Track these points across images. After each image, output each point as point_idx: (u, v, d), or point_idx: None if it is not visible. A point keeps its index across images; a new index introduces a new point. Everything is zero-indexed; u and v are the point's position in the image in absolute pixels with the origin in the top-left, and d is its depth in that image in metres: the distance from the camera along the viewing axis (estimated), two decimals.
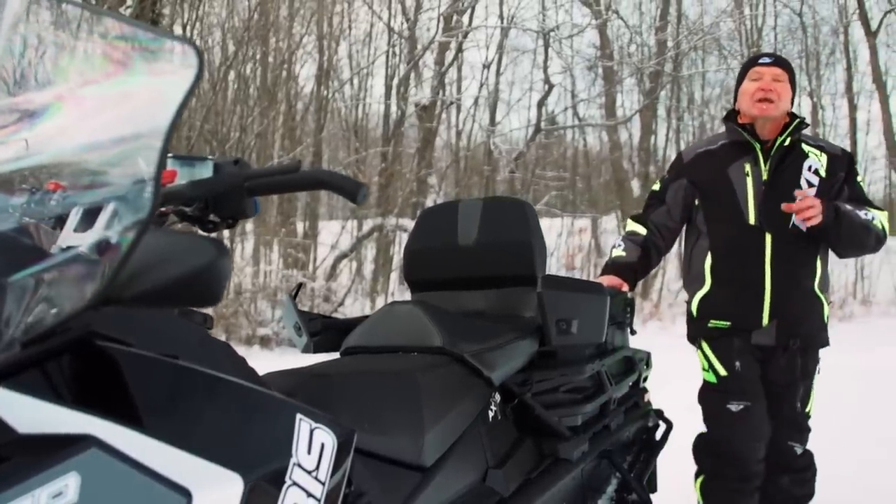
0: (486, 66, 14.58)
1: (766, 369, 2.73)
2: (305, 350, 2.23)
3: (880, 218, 2.73)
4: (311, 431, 1.05)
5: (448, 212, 2.45)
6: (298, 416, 1.05)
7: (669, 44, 15.29)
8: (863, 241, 2.71)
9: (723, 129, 2.95)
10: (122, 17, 0.89)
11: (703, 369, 2.81)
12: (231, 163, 1.27)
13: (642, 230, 2.91)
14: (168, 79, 0.87)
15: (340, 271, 11.86)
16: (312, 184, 1.29)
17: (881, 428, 4.81)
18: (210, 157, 1.31)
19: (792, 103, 2.83)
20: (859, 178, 2.85)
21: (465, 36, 13.97)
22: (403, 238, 12.33)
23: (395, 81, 13.50)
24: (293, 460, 1.01)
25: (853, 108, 17.09)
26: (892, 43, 17.00)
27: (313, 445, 1.04)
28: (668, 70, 14.92)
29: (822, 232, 2.62)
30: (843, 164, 2.81)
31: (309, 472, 1.02)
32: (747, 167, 2.75)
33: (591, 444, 2.24)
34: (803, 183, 2.71)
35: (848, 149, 3.03)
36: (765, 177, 2.73)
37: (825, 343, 2.80)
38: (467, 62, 18.05)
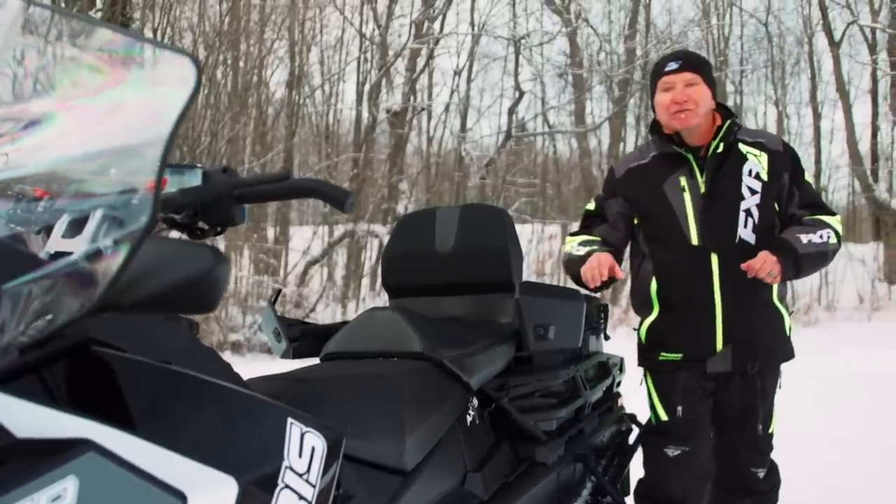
0: (458, 73, 14.67)
1: (721, 398, 2.54)
2: (284, 355, 2.25)
3: (834, 228, 2.53)
4: (302, 435, 1.07)
5: (426, 219, 2.48)
6: (289, 419, 1.08)
7: (638, 52, 15.48)
8: (819, 267, 2.55)
9: None
10: (121, 29, 0.91)
11: (649, 405, 2.62)
12: (220, 171, 1.29)
13: (593, 237, 2.62)
14: (166, 90, 0.88)
15: (311, 277, 11.83)
16: (301, 192, 1.31)
17: (840, 429, 4.92)
18: (199, 165, 1.33)
19: (715, 97, 2.59)
20: (806, 177, 2.62)
21: (437, 43, 14.05)
22: (375, 244, 12.34)
23: (367, 87, 13.52)
24: (285, 463, 1.03)
25: (817, 116, 17.41)
26: (854, 54, 17.34)
27: (304, 449, 1.06)
28: (637, 78, 15.08)
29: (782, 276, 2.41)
30: (786, 161, 2.56)
31: (300, 475, 1.04)
32: (683, 181, 2.52)
33: (567, 448, 2.27)
34: (745, 191, 2.49)
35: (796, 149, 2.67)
36: (703, 189, 2.50)
37: (789, 356, 2.60)
38: (438, 69, 18.09)
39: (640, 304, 2.62)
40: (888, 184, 16.11)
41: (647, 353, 2.59)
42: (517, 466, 2.11)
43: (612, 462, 2.65)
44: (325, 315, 10.66)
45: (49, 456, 0.86)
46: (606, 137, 16.10)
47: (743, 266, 2.35)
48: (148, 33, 9.84)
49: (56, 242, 1.19)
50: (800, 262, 2.41)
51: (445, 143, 15.16)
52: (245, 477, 0.97)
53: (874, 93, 17.04)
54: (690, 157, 2.53)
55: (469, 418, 2.00)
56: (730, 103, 16.32)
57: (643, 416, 2.80)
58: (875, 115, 16.91)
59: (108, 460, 0.89)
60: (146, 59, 0.90)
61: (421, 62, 14.09)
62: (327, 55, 14.40)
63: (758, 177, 2.51)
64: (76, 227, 1.19)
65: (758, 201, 2.49)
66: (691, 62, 2.55)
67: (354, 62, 14.11)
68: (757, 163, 2.52)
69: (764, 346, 2.51)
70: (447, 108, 14.80)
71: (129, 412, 0.96)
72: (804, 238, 2.44)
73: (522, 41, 14.79)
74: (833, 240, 2.50)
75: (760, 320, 2.50)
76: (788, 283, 2.61)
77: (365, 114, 13.30)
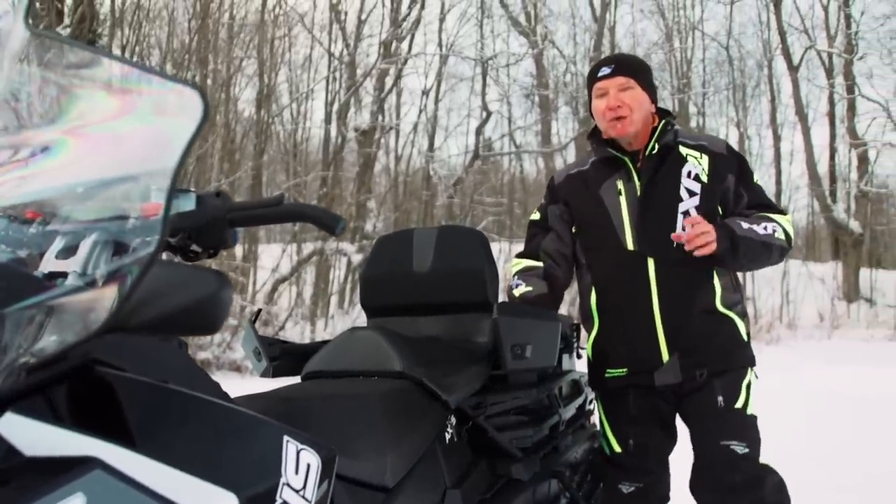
0: (425, 93, 14.79)
1: (680, 405, 2.41)
2: (264, 374, 2.27)
3: (783, 226, 2.41)
4: (298, 452, 1.11)
5: (404, 240, 2.52)
6: (285, 437, 1.11)
7: None
8: (762, 259, 2.40)
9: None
10: (130, 61, 0.95)
11: (601, 434, 2.53)
12: (213, 195, 1.32)
13: (536, 263, 2.58)
14: (173, 121, 0.92)
15: (280, 295, 11.79)
16: (293, 216, 1.35)
17: (805, 445, 5.02)
18: (192, 189, 1.36)
19: (654, 101, 2.49)
20: (755, 179, 2.50)
21: (405, 63, 14.14)
22: (343, 262, 12.33)
23: (336, 107, 13.56)
24: (282, 480, 1.06)
25: (777, 138, 17.80)
26: (812, 77, 17.78)
27: (300, 466, 1.09)
28: None
29: (716, 259, 2.30)
30: (730, 163, 2.44)
31: (297, 492, 1.08)
32: (619, 185, 2.42)
33: (542, 465, 2.31)
34: (683, 193, 2.38)
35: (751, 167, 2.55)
36: (639, 193, 2.40)
37: (747, 363, 2.41)
38: (406, 88, 18.23)
39: (584, 318, 2.53)
40: (846, 204, 16.49)
41: (594, 372, 2.50)
42: (494, 483, 2.15)
43: (586, 478, 2.69)
44: (294, 333, 10.63)
45: (57, 474, 0.88)
46: (572, 157, 16.30)
47: (673, 237, 2.27)
48: (116, 50, 9.80)
49: (50, 263, 1.21)
50: (736, 243, 2.29)
51: (413, 162, 15.26)
52: (245, 493, 1.00)
53: (832, 115, 17.49)
54: (627, 160, 2.44)
55: (448, 436, 2.03)
56: (693, 125, 16.63)
57: None
58: (833, 137, 17.35)
59: (113, 478, 0.92)
60: (154, 90, 0.94)
61: (389, 81, 14.18)
62: (295, 74, 14.43)
63: (697, 178, 2.40)
64: (70, 248, 1.22)
65: (696, 203, 2.37)
66: (624, 66, 2.44)
67: (323, 81, 14.16)
68: (697, 164, 2.42)
69: (714, 351, 2.34)
70: (415, 128, 14.93)
71: (131, 430, 0.98)
72: (745, 224, 2.34)
73: (489, 62, 14.98)
74: (779, 235, 2.38)
75: (705, 326, 2.35)
76: (740, 293, 2.48)
77: (333, 132, 13.34)
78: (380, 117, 13.90)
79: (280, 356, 2.27)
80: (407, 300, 2.44)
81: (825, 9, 16.90)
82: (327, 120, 13.55)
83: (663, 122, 2.44)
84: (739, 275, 2.65)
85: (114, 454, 0.93)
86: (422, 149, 15.06)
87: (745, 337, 2.43)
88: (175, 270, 0.98)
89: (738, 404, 2.34)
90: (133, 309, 0.91)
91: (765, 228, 2.35)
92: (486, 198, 15.79)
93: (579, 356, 2.79)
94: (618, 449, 2.45)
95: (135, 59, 10.00)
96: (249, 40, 13.07)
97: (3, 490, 0.86)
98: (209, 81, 11.64)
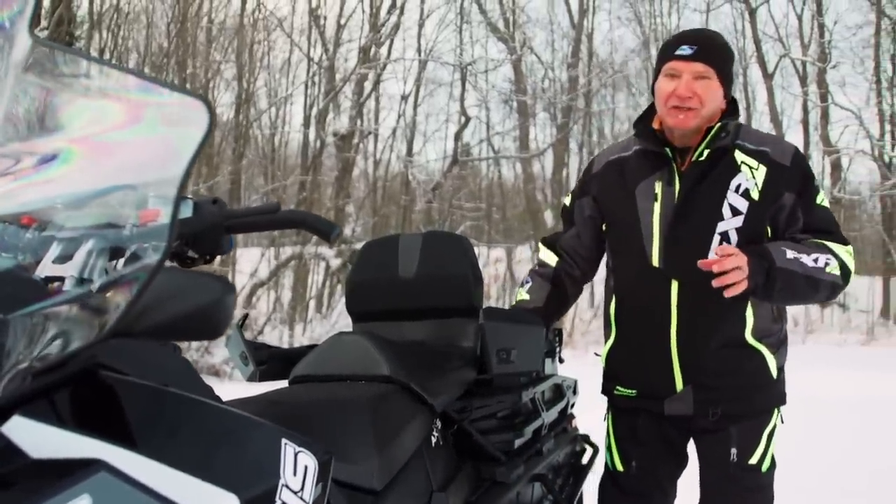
0: (404, 98, 14.84)
1: (696, 440, 2.24)
2: (251, 378, 2.28)
3: (841, 257, 2.08)
4: (296, 454, 1.13)
5: (389, 245, 2.55)
6: (283, 440, 1.13)
7: (581, 80, 15.84)
8: (804, 296, 2.10)
9: None
10: (136, 71, 0.97)
11: (605, 445, 2.43)
12: (210, 202, 1.34)
13: (552, 259, 2.45)
14: (179, 131, 0.95)
15: (258, 299, 11.75)
16: (289, 223, 1.38)
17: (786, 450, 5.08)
18: (189, 196, 1.38)
19: (729, 96, 2.17)
20: (819, 199, 2.15)
21: (384, 68, 14.17)
22: (322, 266, 12.33)
23: (315, 111, 13.57)
24: (281, 481, 1.08)
25: None
26: (786, 85, 18.02)
27: (298, 467, 1.12)
28: (579, 105, 15.43)
29: (749, 294, 2.00)
30: (791, 179, 2.11)
31: (295, 493, 1.10)
32: (658, 187, 2.15)
33: (526, 468, 2.34)
34: (726, 210, 2.09)
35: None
36: (676, 202, 2.13)
37: (774, 403, 2.20)
38: (385, 93, 18.25)
39: (605, 323, 2.38)
40: None
41: (607, 383, 2.38)
42: (479, 486, 2.18)
43: (568, 481, 2.73)
44: (273, 337, 10.61)
45: (63, 476, 0.90)
46: (550, 163, 16.42)
47: (699, 264, 1.95)
48: (94, 52, 9.74)
49: (47, 268, 1.23)
50: (773, 276, 1.97)
51: (392, 167, 15.30)
52: (246, 494, 1.02)
53: (805, 123, 17.73)
54: (673, 159, 2.16)
55: (433, 439, 2.06)
56: None
57: (595, 436, 2.89)
58: (807, 144, 17.57)
59: (118, 479, 0.94)
60: (160, 101, 0.96)
61: (368, 86, 14.20)
62: (274, 78, 14.43)
63: (746, 195, 2.09)
64: (68, 254, 1.24)
65: (739, 224, 2.08)
66: (707, 50, 2.10)
67: (302, 86, 14.17)
68: (750, 177, 2.10)
69: (733, 389, 2.13)
70: (394, 133, 14.97)
71: (133, 433, 1.01)
72: (790, 253, 2.01)
73: (468, 67, 15.03)
74: (833, 269, 2.05)
75: (728, 361, 2.12)
76: (781, 322, 2.22)
77: (312, 137, 13.34)
78: (359, 122, 13.92)
79: (267, 360, 2.29)
80: (392, 305, 2.46)
81: (799, 18, 17.18)
82: (306, 124, 13.55)
83: (719, 125, 2.12)
84: None
85: (118, 456, 0.95)
86: (400, 154, 15.11)
87: (774, 373, 2.17)
88: (180, 277, 1.00)
89: (754, 459, 2.16)
90: (139, 314, 0.93)
91: (815, 260, 2.03)
92: (465, 203, 15.86)
93: (562, 360, 2.83)
94: (620, 467, 2.35)
95: (112, 61, 9.95)
96: (228, 44, 13.04)
97: (11, 492, 0.88)
98: (187, 85, 11.60)
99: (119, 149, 0.99)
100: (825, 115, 16.85)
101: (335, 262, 11.86)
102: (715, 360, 2.13)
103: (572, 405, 2.88)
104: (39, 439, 0.93)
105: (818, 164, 17.41)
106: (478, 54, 16.11)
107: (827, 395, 7.12)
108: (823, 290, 2.07)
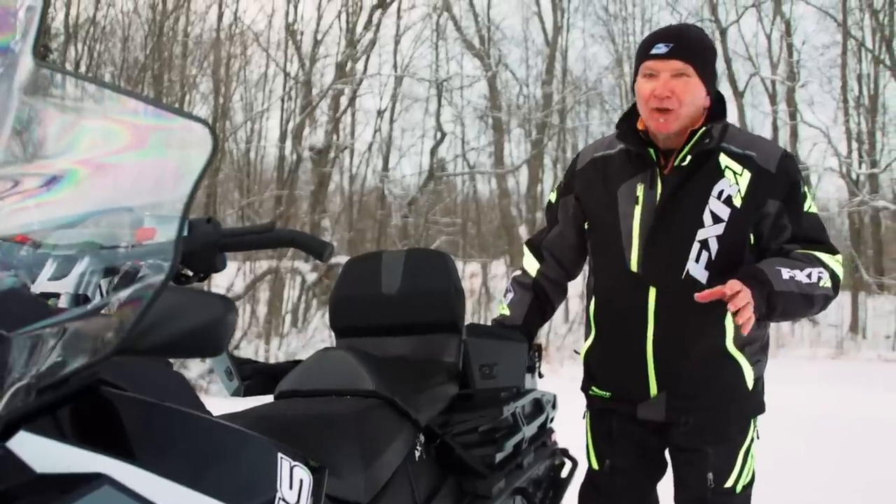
0: (380, 113, 14.87)
1: (666, 436, 2.24)
2: (235, 393, 2.29)
3: (833, 269, 2.07)
4: (291, 468, 1.16)
5: (372, 262, 2.58)
6: (279, 454, 1.16)
7: (555, 97, 15.98)
8: (800, 313, 2.13)
9: None
10: (141, 95, 1.00)
11: (585, 445, 2.46)
12: (204, 221, 1.37)
13: (534, 266, 2.46)
14: (182, 153, 0.98)
15: None
16: (282, 242, 1.41)
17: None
18: None
19: (711, 91, 2.11)
20: (807, 206, 2.10)
21: (360, 83, 14.21)
22: (297, 281, 12.30)
23: (291, 126, 13.57)
24: (278, 495, 1.11)
25: None
26: (757, 104, 18.32)
27: (294, 481, 1.15)
28: (554, 122, 15.56)
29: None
30: (776, 185, 2.06)
31: None
32: (639, 190, 2.12)
33: (507, 482, 2.38)
34: (707, 217, 2.05)
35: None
36: (657, 207, 2.10)
37: (752, 413, 2.20)
38: (362, 108, 18.30)
39: (585, 321, 2.36)
40: None
41: (585, 382, 2.40)
42: (461, 499, 2.21)
43: (548, 495, 2.77)
44: (248, 351, 10.56)
45: (68, 490, 0.93)
46: (525, 178, 16.52)
47: (697, 296, 1.90)
48: (69, 65, 9.70)
49: (42, 285, 1.25)
50: (773, 302, 1.95)
51: (368, 182, 15.32)
52: None
53: (775, 140, 18.00)
54: (656, 162, 2.13)
55: (417, 453, 2.09)
56: None
57: (573, 450, 2.93)
58: None
59: (121, 493, 0.96)
60: (164, 124, 0.99)
61: (344, 101, 14.23)
62: (250, 92, 14.43)
63: (728, 201, 2.05)
64: (63, 270, 1.26)
65: (720, 232, 2.05)
66: (684, 47, 2.04)
67: (278, 100, 14.18)
68: (733, 182, 2.06)
69: (706, 399, 2.13)
70: (370, 148, 14.98)
71: (135, 447, 1.03)
72: (785, 273, 1.98)
73: (444, 84, 15.13)
74: (826, 283, 2.04)
75: (703, 369, 2.11)
76: (764, 329, 2.20)
77: (288, 151, 13.33)
78: (335, 136, 13.93)
79: (251, 375, 2.30)
80: (376, 321, 2.49)
81: (768, 38, 17.44)
82: (282, 139, 13.54)
83: (703, 129, 2.07)
84: None
85: (120, 470, 0.98)
86: (376, 168, 15.14)
87: (749, 384, 2.15)
88: (182, 295, 1.03)
89: (730, 482, 2.15)
90: (143, 332, 0.96)
91: (809, 276, 2.01)
92: (441, 218, 15.90)
93: (541, 375, 2.87)
94: (595, 466, 2.39)
95: (88, 74, 9.91)
96: (204, 58, 13.03)
97: (19, 503, 0.90)
98: (164, 99, 11.57)
99: (122, 171, 1.01)
100: (794, 133, 17.11)
101: (311, 277, 11.84)
102: (690, 368, 2.12)
103: (552, 419, 2.92)
104: (43, 454, 0.95)
105: None
106: (453, 70, 16.21)
107: (800, 409, 7.20)
108: (818, 304, 2.06)
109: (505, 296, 2.56)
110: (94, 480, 0.95)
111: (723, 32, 17.12)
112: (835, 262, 2.09)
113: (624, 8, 18.39)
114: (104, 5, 11.02)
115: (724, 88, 18.02)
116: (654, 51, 2.04)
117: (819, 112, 23.19)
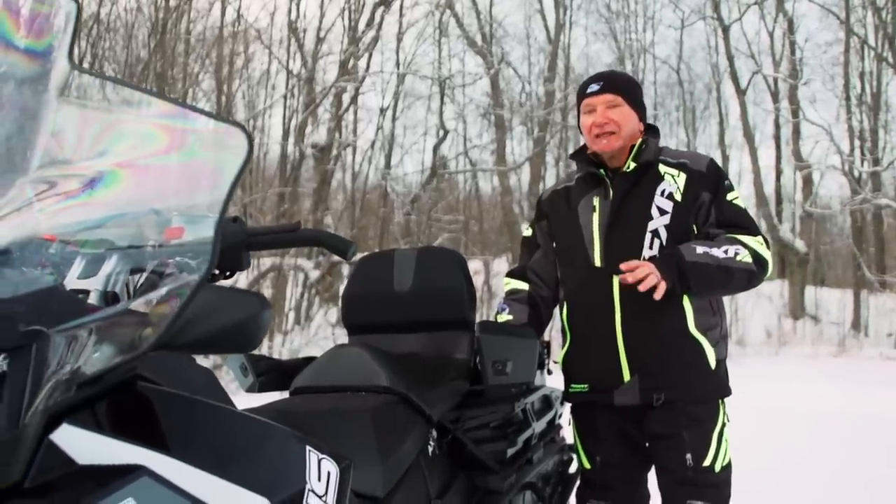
0: (383, 111, 14.89)
1: (643, 425, 2.41)
2: (250, 389, 2.33)
3: (752, 247, 2.33)
4: (319, 461, 1.19)
5: (384, 260, 2.61)
6: (307, 447, 1.19)
7: (557, 94, 16.00)
8: (723, 284, 2.32)
9: None
10: (178, 101, 1.03)
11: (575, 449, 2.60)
12: (231, 221, 1.40)
13: (522, 285, 2.64)
14: (219, 156, 1.01)
15: None
16: (307, 241, 1.44)
17: (756, 460, 5.17)
18: (211, 216, 1.43)
19: (643, 119, 2.50)
20: (731, 196, 2.43)
21: (363, 81, 14.23)
22: (300, 278, 12.32)
23: (294, 123, 13.60)
24: (307, 486, 1.14)
25: (726, 159, 18.25)
26: (759, 101, 18.35)
27: (322, 473, 1.18)
28: (556, 119, 15.58)
29: (672, 292, 2.24)
30: (706, 181, 2.39)
31: (320, 497, 1.16)
32: (596, 201, 2.44)
33: (517, 477, 2.41)
34: (654, 211, 2.36)
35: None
36: (611, 208, 2.41)
37: (718, 393, 2.41)
38: (364, 106, 18.33)
39: (561, 331, 2.57)
40: (792, 224, 16.99)
41: (565, 385, 2.56)
42: (473, 494, 2.25)
43: (556, 490, 2.80)
44: None
45: (109, 481, 0.96)
46: (527, 176, 16.55)
47: (620, 279, 2.24)
48: None
49: (72, 283, 1.28)
50: (685, 270, 2.24)
51: (370, 180, 15.35)
52: (276, 497, 1.08)
53: (777, 138, 18.06)
54: (607, 177, 2.45)
55: (430, 448, 2.12)
56: None
57: None
58: (779, 159, 17.91)
59: (160, 484, 0.99)
60: (201, 128, 1.02)
61: (347, 99, 14.26)
62: (253, 89, 14.45)
63: (671, 197, 2.38)
64: (92, 268, 1.29)
65: (667, 222, 2.36)
66: (612, 83, 2.46)
67: (281, 98, 14.20)
68: (672, 182, 2.40)
69: (672, 375, 2.33)
70: (372, 145, 15.01)
71: (170, 440, 1.06)
72: (699, 249, 2.29)
73: (446, 81, 15.14)
74: (745, 258, 2.30)
75: (669, 350, 2.33)
76: (720, 317, 2.44)
77: (291, 148, 13.37)
78: (337, 134, 13.96)
79: (266, 372, 2.34)
80: (388, 318, 2.52)
81: (771, 35, 17.48)
82: (285, 136, 13.57)
83: (640, 140, 2.44)
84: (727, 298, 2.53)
85: (158, 462, 1.01)
86: (379, 166, 15.17)
87: (712, 365, 2.36)
88: (219, 292, 1.06)
89: (707, 461, 2.33)
90: (181, 328, 0.99)
91: (725, 252, 2.29)
92: (443, 215, 15.92)
93: (550, 372, 2.90)
94: (587, 465, 2.52)
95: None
96: (206, 55, 13.06)
97: (63, 494, 0.94)
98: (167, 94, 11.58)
99: (159, 173, 1.04)
100: (797, 131, 17.14)
101: (314, 274, 11.87)
102: (657, 348, 2.33)
103: (560, 415, 2.96)
104: (84, 447, 0.98)
105: (790, 179, 17.73)
106: (456, 68, 16.28)
107: (802, 407, 7.19)
108: (739, 277, 2.31)
109: (500, 312, 2.63)
110: (134, 472, 0.98)
111: (725, 30, 17.15)
112: (755, 243, 2.35)
113: (626, 5, 18.47)
114: (108, 2, 11.05)
115: (727, 86, 18.06)
116: (589, 90, 2.46)
117: (822, 110, 23.19)
